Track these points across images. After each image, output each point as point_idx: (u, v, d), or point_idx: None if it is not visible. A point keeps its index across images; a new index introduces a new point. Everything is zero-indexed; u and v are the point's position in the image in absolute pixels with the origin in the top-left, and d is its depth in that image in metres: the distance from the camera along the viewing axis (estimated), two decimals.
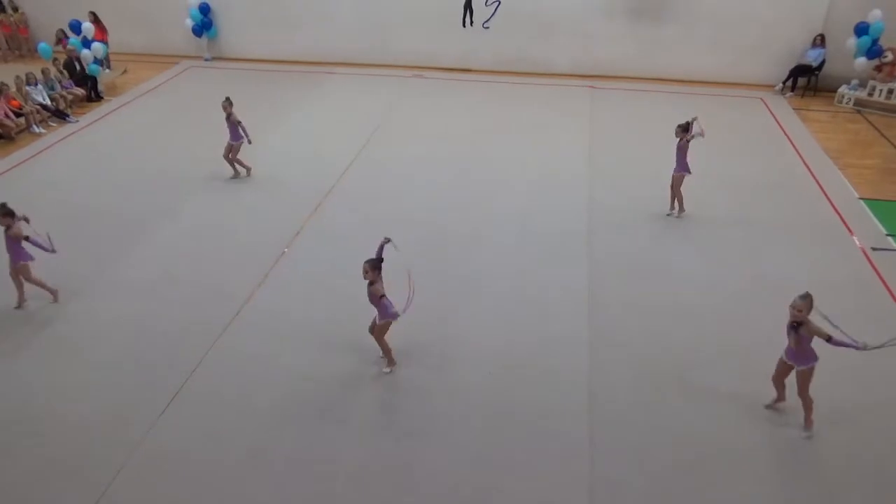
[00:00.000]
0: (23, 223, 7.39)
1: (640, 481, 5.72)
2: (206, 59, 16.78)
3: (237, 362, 7.01)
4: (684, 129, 9.20)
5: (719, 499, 5.59)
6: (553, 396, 6.58)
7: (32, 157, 11.72)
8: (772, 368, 6.22)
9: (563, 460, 5.91)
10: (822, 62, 14.44)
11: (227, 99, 10.41)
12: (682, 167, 9.39)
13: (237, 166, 10.86)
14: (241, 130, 10.41)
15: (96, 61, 14.59)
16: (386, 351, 6.79)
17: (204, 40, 16.62)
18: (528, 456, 5.95)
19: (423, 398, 6.58)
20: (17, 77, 13.14)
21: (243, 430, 6.21)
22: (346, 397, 6.59)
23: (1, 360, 7.02)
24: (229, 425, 6.26)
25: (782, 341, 6.01)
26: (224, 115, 10.39)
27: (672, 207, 9.79)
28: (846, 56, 14.10)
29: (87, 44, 14.67)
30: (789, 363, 5.98)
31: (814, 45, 14.44)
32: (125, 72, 15.98)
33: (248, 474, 5.78)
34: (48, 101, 13.18)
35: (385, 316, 6.50)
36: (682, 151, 9.31)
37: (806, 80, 14.77)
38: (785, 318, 5.84)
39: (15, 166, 11.34)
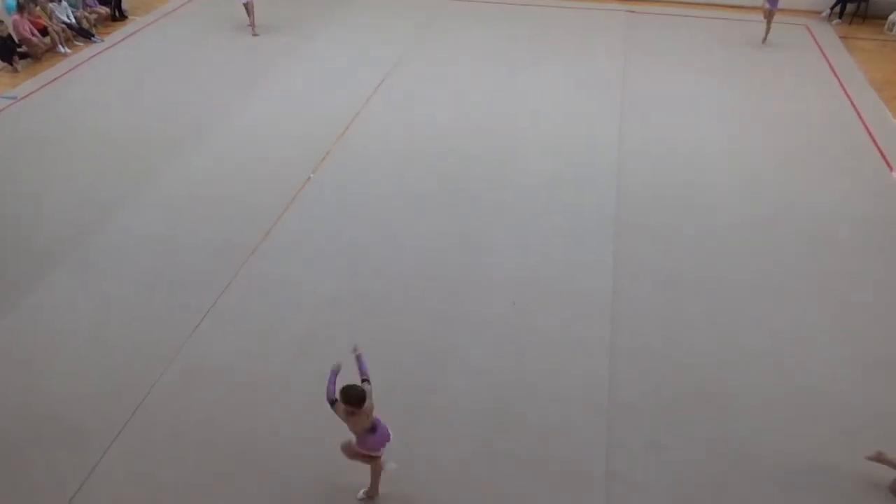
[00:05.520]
0: None
1: (657, 408, 5.84)
2: None
3: (266, 282, 7.15)
4: None
5: (734, 427, 5.68)
6: (576, 325, 6.63)
7: (59, 77, 11.70)
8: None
9: (583, 387, 6.01)
10: None
11: None
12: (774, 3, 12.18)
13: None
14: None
15: None
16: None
17: None
18: (549, 382, 6.06)
19: (446, 324, 6.68)
20: None
21: (274, 348, 6.39)
22: (371, 319, 6.70)
23: (38, 276, 7.24)
24: (260, 344, 6.43)
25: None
26: None
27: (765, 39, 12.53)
28: None
29: None
30: None
31: None
32: None
33: (280, 392, 5.97)
34: (73, 20, 13.03)
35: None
36: None
37: (855, 7, 14.00)
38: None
39: (43, 86, 11.33)
